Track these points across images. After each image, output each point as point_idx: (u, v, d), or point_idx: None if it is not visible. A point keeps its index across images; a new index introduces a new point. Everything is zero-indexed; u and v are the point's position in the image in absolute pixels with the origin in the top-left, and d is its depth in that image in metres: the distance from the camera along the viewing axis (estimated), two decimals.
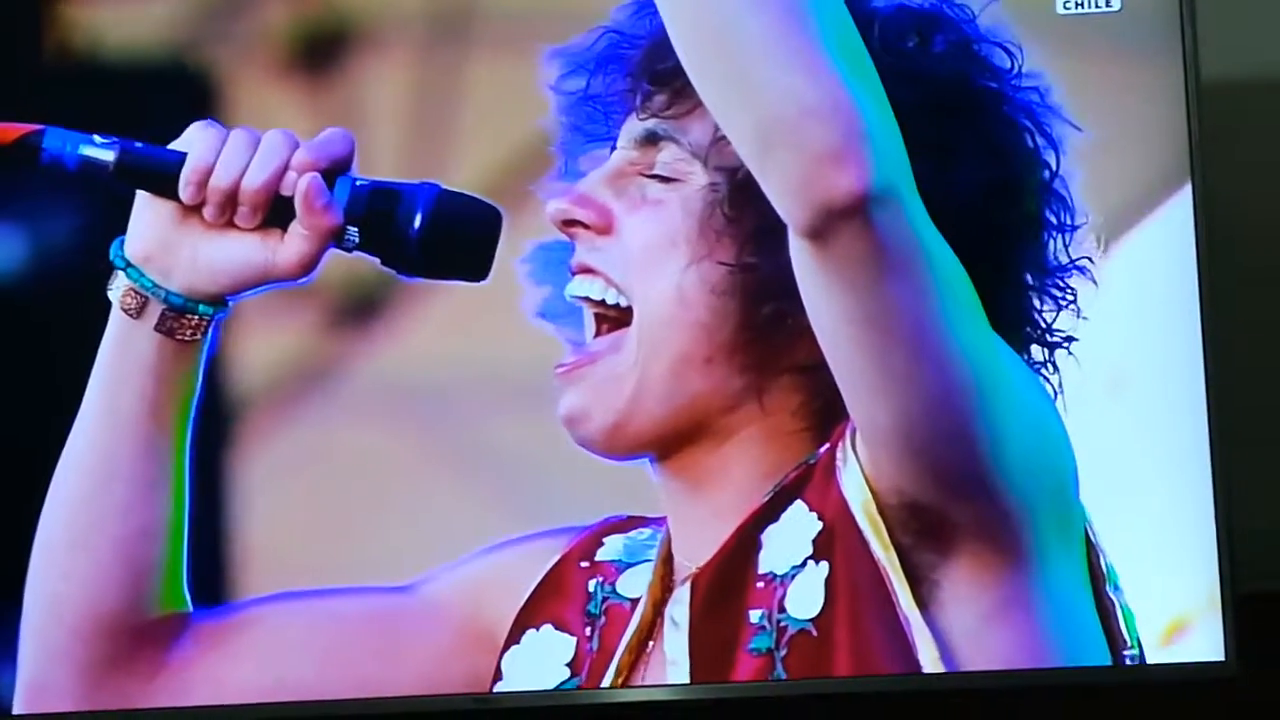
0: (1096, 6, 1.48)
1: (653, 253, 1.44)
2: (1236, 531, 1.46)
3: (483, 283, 1.44)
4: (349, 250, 1.41)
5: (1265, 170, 1.73)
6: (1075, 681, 1.41)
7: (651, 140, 1.46)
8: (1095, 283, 1.43)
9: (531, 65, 1.53)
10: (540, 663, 1.47)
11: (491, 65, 1.61)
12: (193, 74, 1.63)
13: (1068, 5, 1.48)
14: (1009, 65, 1.42)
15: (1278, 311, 1.73)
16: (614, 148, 1.48)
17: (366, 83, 1.61)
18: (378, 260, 1.42)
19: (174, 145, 1.40)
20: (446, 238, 1.42)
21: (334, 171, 1.41)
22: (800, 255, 1.30)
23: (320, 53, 1.62)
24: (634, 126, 1.47)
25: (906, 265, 1.29)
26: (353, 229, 1.41)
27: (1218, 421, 1.46)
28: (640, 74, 1.47)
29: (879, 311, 1.29)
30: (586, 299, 1.46)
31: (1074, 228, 1.43)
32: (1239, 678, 1.44)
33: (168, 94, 1.62)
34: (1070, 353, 1.42)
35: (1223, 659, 1.45)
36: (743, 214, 1.41)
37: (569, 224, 1.46)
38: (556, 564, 1.48)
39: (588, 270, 1.47)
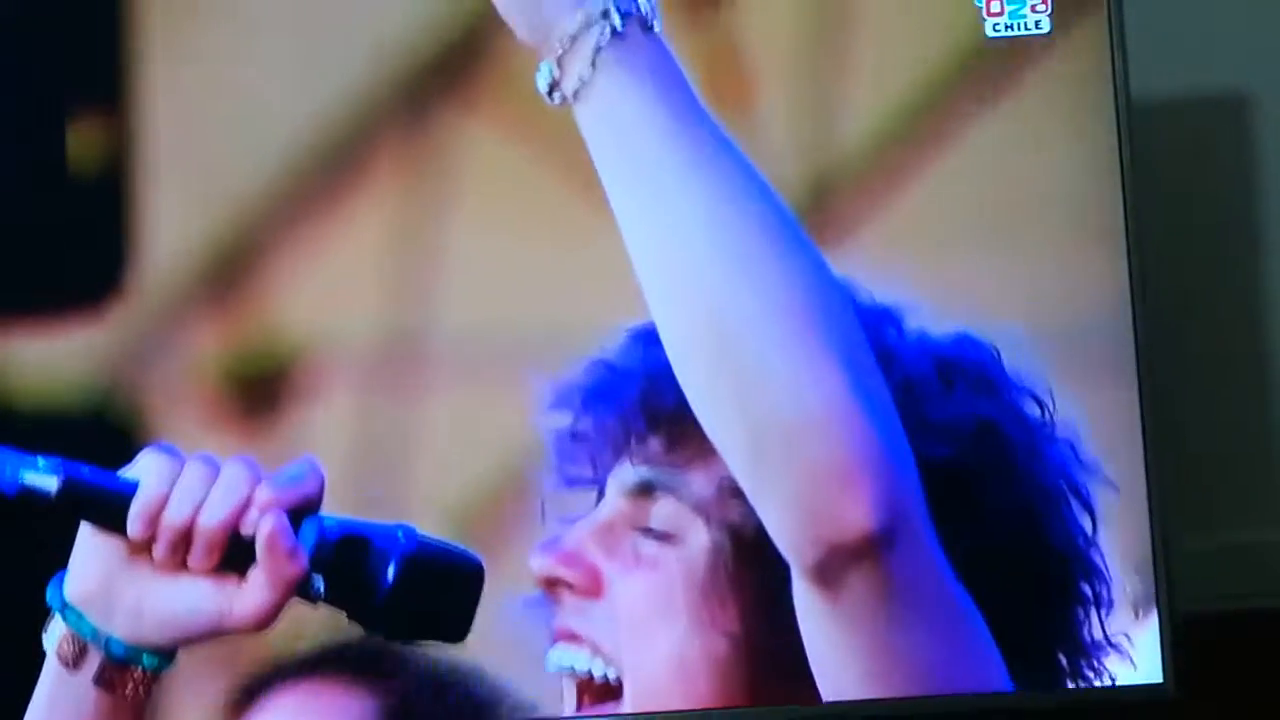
0: (1025, 29, 1.48)
1: (647, 621, 1.35)
2: (1174, 552, 1.45)
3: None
4: (314, 602, 1.26)
5: (1191, 190, 1.73)
6: (1006, 706, 1.41)
7: (646, 491, 1.37)
8: (1133, 663, 1.39)
9: (511, 396, 1.48)
10: None
11: (463, 395, 1.54)
12: (118, 413, 1.54)
13: (997, 28, 1.48)
14: (1039, 414, 1.37)
15: (1211, 334, 1.73)
16: (602, 494, 1.39)
17: (314, 418, 1.54)
18: (344, 614, 1.27)
19: (126, 472, 1.27)
20: (420, 596, 1.27)
21: (301, 511, 1.26)
22: (803, 596, 1.20)
23: (263, 383, 1.55)
24: (626, 474, 1.38)
25: (923, 610, 1.20)
26: (319, 578, 1.26)
27: (1153, 441, 1.46)
28: (634, 413, 1.39)
29: (887, 663, 1.22)
30: (570, 671, 1.37)
31: (1110, 602, 1.36)
32: (1177, 702, 1.44)
33: (91, 435, 1.54)
34: None
35: (1161, 681, 1.44)
36: (751, 577, 1.32)
37: (552, 583, 1.36)
38: None
39: (571, 637, 1.37)
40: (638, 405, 1.38)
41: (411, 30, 1.57)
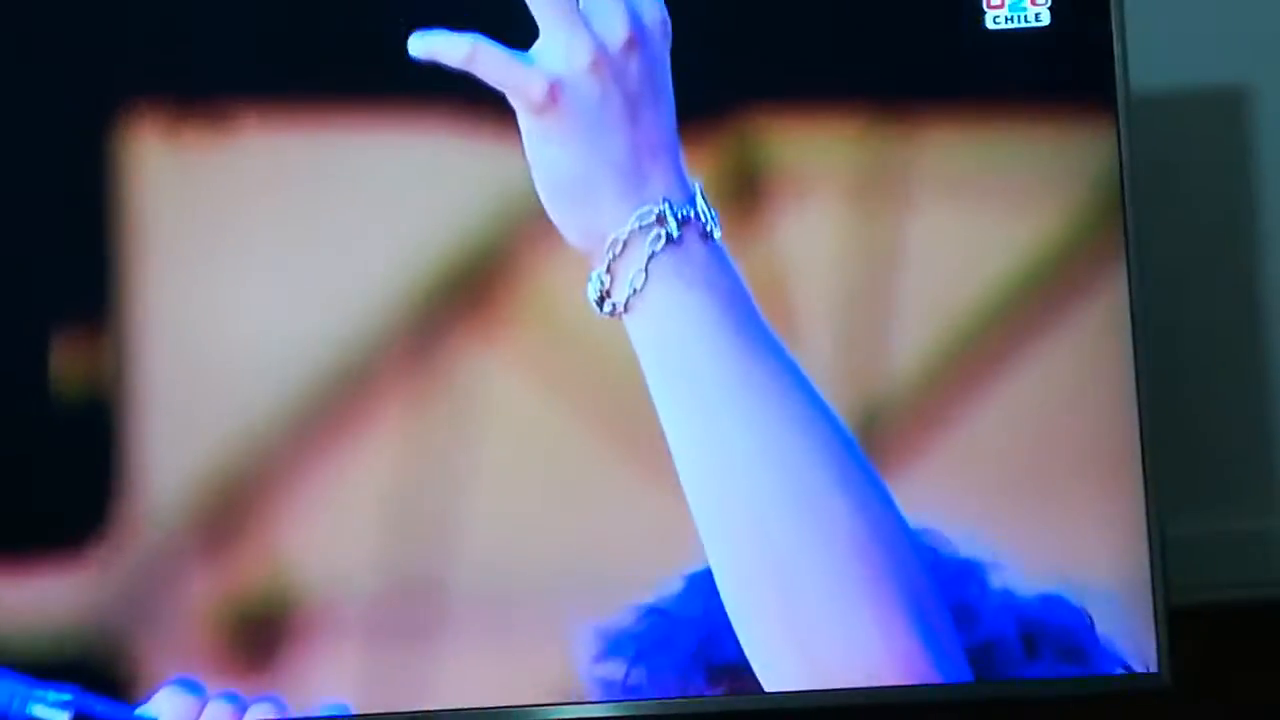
0: (1025, 21, 1.48)
1: None
2: (1170, 543, 1.46)
3: None
4: None
5: (1194, 179, 1.73)
6: (1002, 696, 1.41)
7: None
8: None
9: (551, 644, 1.43)
10: None
11: (492, 643, 1.45)
12: (105, 662, 1.46)
13: (997, 20, 1.48)
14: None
15: (1208, 323, 1.73)
16: None
17: (321, 667, 1.46)
18: None
19: (145, 709, 1.28)
20: None
21: None
22: None
23: (264, 630, 1.46)
24: None
25: None
26: None
27: (1149, 432, 1.46)
28: (693, 666, 1.36)
29: None
30: None
31: None
32: (1173, 692, 1.44)
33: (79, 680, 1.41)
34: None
35: (1156, 671, 1.44)
36: None
37: None
38: None
39: None
40: (697, 657, 1.35)
41: (426, 249, 1.49)
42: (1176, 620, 1.44)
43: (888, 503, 1.24)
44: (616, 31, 1.29)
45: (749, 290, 1.29)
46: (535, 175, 1.30)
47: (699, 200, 1.29)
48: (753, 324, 1.27)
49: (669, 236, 1.26)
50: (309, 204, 1.49)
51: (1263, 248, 1.73)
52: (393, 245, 1.49)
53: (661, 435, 1.28)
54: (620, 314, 1.27)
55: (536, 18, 1.30)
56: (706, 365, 1.25)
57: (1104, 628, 1.40)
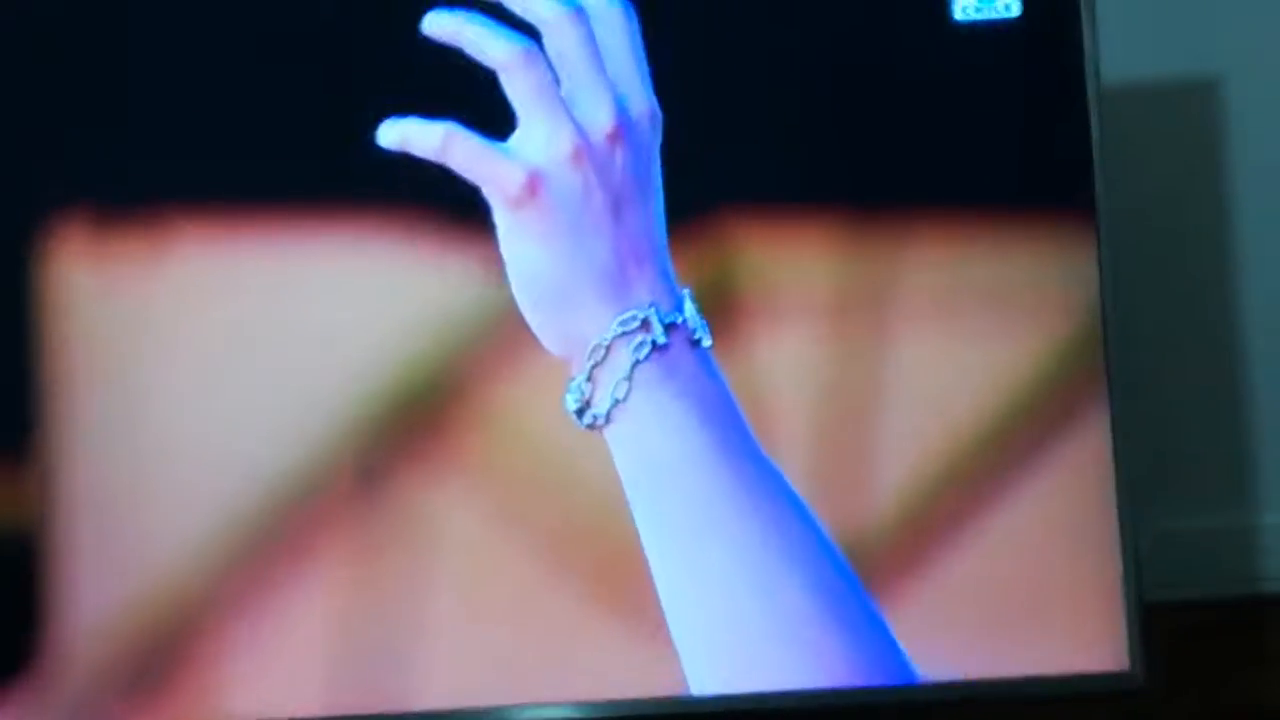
0: (995, 13, 1.47)
1: None
2: (1142, 539, 1.45)
3: None
4: None
5: (1164, 175, 1.73)
6: (973, 694, 1.41)
7: None
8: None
9: None
10: None
11: None
12: None
13: (965, 11, 1.47)
14: None
15: (1180, 320, 1.73)
16: None
17: None
18: None
19: None
20: None
21: None
22: None
23: None
24: None
25: None
26: None
27: (1120, 428, 1.45)
28: None
29: None
30: None
31: None
32: (1145, 689, 1.43)
33: None
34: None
35: (1128, 669, 1.44)
36: None
37: None
38: None
39: None
40: None
41: (375, 367, 1.42)
42: (1149, 617, 1.44)
43: (881, 632, 1.22)
44: (600, 121, 1.24)
45: (738, 404, 1.23)
46: (511, 274, 1.25)
47: (688, 306, 1.24)
48: (743, 440, 1.21)
49: (655, 344, 1.21)
50: (249, 320, 1.42)
51: (1235, 242, 1.73)
52: (339, 364, 1.43)
53: (637, 563, 1.22)
54: (601, 426, 1.22)
55: (514, 104, 1.25)
56: (693, 483, 1.19)
57: None
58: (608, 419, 1.21)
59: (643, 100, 1.26)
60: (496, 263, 1.26)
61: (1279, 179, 1.73)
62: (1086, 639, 1.43)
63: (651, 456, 1.20)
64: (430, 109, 1.28)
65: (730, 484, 1.20)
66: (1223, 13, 1.73)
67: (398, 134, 1.26)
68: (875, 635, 1.23)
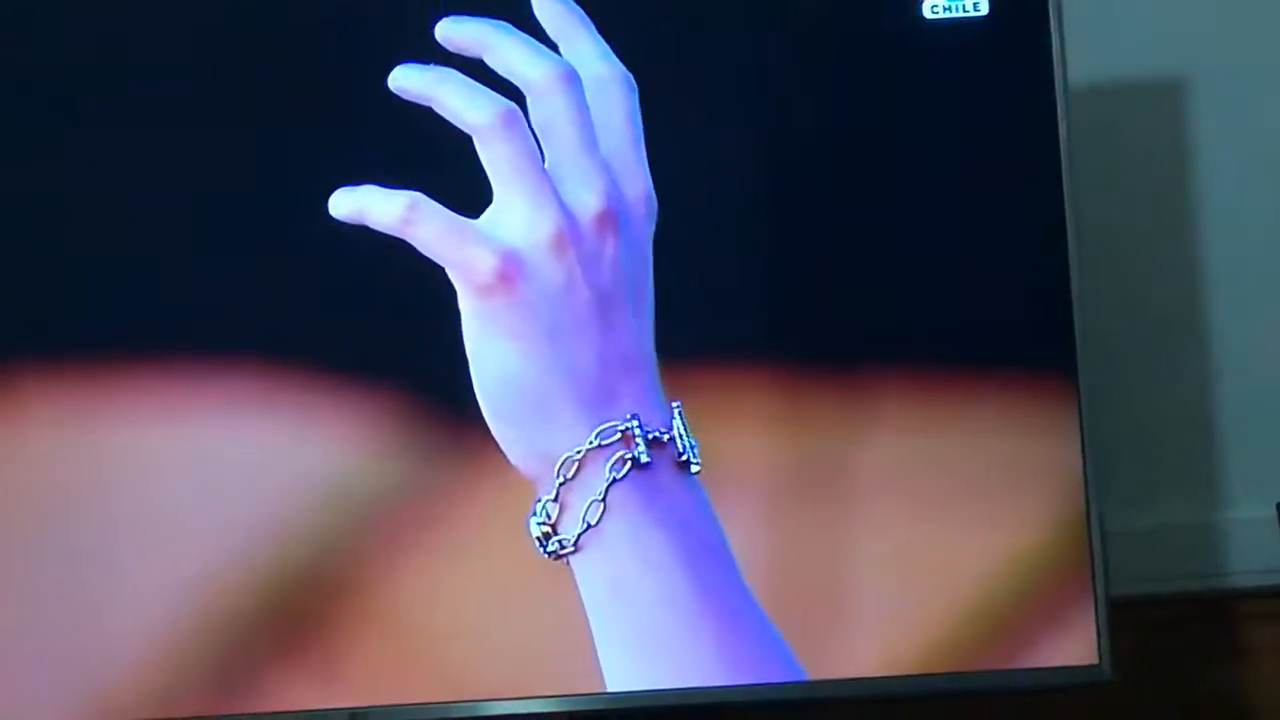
0: (963, 11, 1.48)
1: None
2: (1110, 535, 1.45)
3: None
4: None
5: (1136, 173, 1.73)
6: (940, 689, 1.41)
7: None
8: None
9: None
10: None
11: None
12: None
13: (935, 10, 1.47)
14: None
15: (1147, 316, 1.74)
16: None
17: None
18: None
19: None
20: None
21: None
22: None
23: None
24: None
25: None
26: None
27: (1089, 424, 1.45)
28: None
29: None
30: None
31: None
32: (1113, 683, 1.44)
33: None
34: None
35: (1096, 663, 1.44)
36: None
37: None
38: None
39: None
40: None
41: (245, 558, 1.28)
42: (1117, 611, 1.44)
43: None
44: (589, 203, 1.07)
45: (727, 540, 1.07)
46: (475, 373, 1.07)
47: (677, 422, 1.07)
48: (731, 584, 1.06)
49: (635, 461, 1.04)
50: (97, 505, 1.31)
51: (1202, 240, 1.74)
52: (203, 553, 1.30)
53: None
54: (568, 555, 1.05)
55: (491, 176, 1.09)
56: (671, 629, 1.03)
57: None
58: (576, 546, 1.04)
59: (639, 182, 1.10)
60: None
61: (1245, 178, 1.73)
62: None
63: (624, 593, 1.03)
64: (390, 178, 1.12)
65: (715, 635, 1.05)
66: (1189, 13, 1.73)
67: (353, 204, 1.09)
68: None
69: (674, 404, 1.09)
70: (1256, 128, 1.73)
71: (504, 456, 1.08)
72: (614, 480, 1.03)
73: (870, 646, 1.38)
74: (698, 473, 1.08)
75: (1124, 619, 1.46)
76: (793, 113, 1.45)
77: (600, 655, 1.05)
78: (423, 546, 1.29)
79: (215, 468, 1.31)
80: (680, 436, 1.06)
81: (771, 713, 1.40)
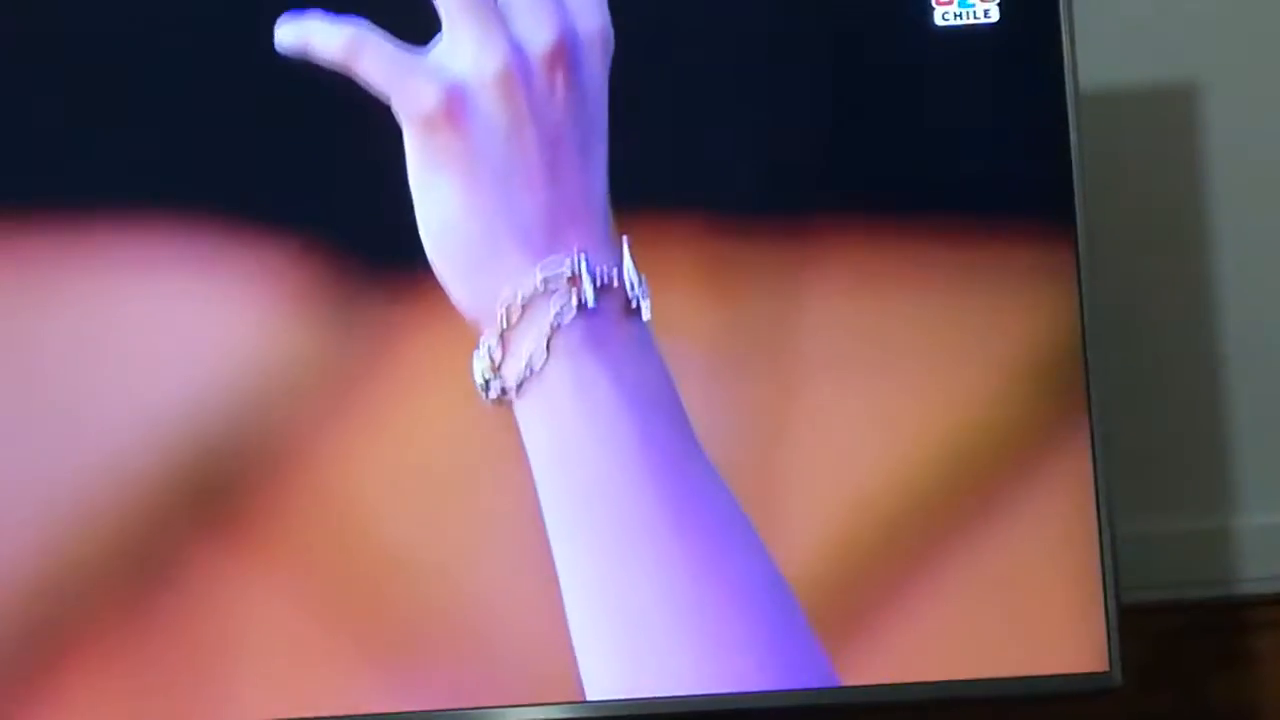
0: (975, 18, 1.47)
1: None
2: (1120, 539, 1.45)
3: None
4: None
5: (1145, 179, 1.73)
6: (949, 695, 1.41)
7: None
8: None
9: None
10: None
11: None
12: None
13: (945, 17, 1.47)
14: None
15: (1158, 322, 1.73)
16: None
17: None
18: None
19: None
20: None
21: None
22: None
23: None
24: None
25: None
26: None
27: (1100, 429, 1.45)
28: None
29: None
30: None
31: None
32: (1122, 690, 1.44)
33: None
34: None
35: (1106, 669, 1.44)
36: None
37: None
38: None
39: None
40: None
41: (158, 430, 1.22)
42: (1126, 618, 1.44)
43: (807, 646, 1.09)
44: (541, 38, 1.03)
45: (679, 393, 1.03)
46: (419, 212, 1.05)
47: (627, 263, 1.04)
48: (679, 435, 1.01)
49: (582, 304, 1.00)
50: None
51: (1213, 246, 1.74)
52: (120, 416, 1.24)
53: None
54: (510, 399, 1.01)
55: (440, 9, 1.06)
56: (614, 482, 0.98)
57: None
58: (518, 392, 1.00)
59: (594, 17, 1.06)
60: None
61: (1257, 184, 1.73)
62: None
63: (568, 442, 0.99)
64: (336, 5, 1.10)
65: (659, 488, 1.00)
66: (1200, 19, 1.73)
67: (297, 34, 1.05)
68: (800, 650, 1.09)
69: (624, 240, 1.06)
70: (1268, 133, 1.73)
71: (447, 301, 1.05)
72: (559, 325, 1.00)
73: (822, 500, 1.32)
74: (647, 321, 1.04)
75: (1134, 625, 1.46)
76: (798, 113, 1.43)
77: (544, 508, 1.01)
78: (358, 404, 1.24)
79: (129, 332, 1.25)
80: (629, 281, 1.02)
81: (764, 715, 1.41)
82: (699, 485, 1.02)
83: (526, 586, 1.11)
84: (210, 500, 1.23)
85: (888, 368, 1.30)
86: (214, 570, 1.24)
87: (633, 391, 0.99)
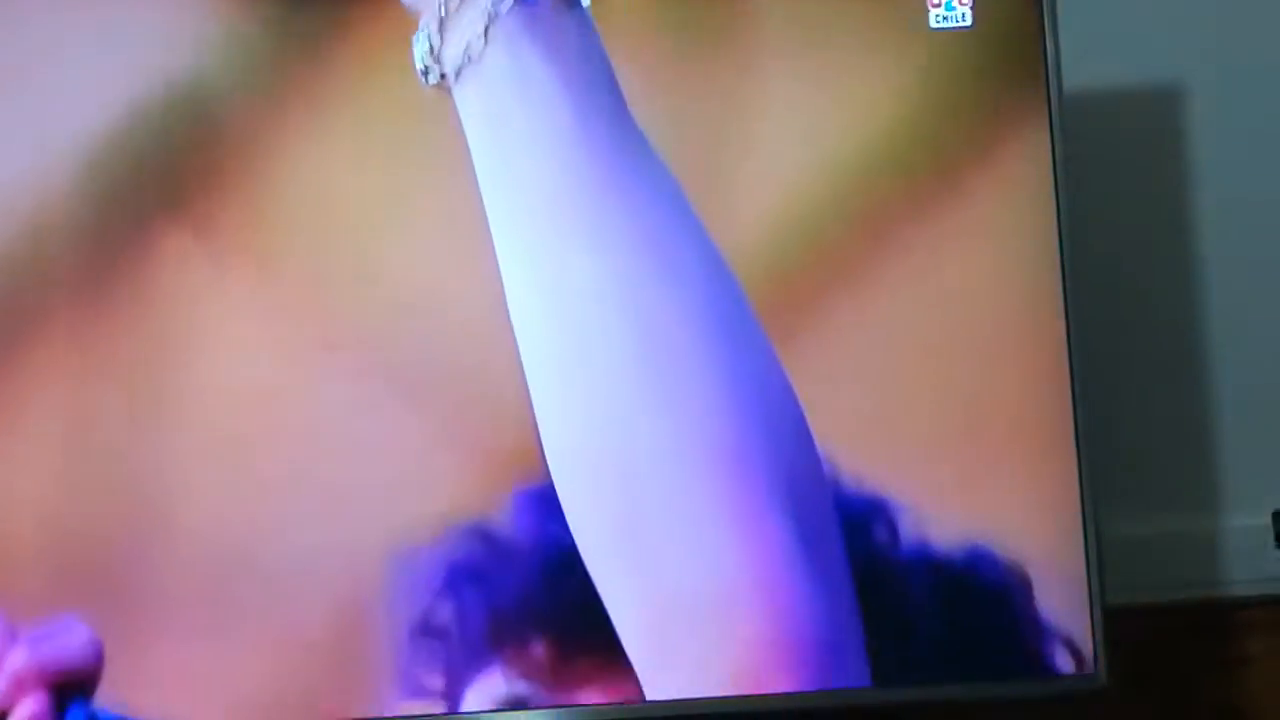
0: (956, 22, 1.47)
1: None
2: (1106, 543, 1.45)
3: None
4: None
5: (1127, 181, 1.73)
6: (938, 698, 1.41)
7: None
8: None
9: (333, 572, 1.13)
10: None
11: (257, 574, 1.15)
12: None
13: (939, 20, 1.47)
14: (1072, 666, 1.18)
15: (1144, 323, 1.73)
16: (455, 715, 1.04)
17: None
18: None
19: None
20: None
21: (66, 688, 0.98)
22: None
23: None
24: (494, 687, 1.04)
25: None
26: None
27: (1085, 431, 1.45)
28: (513, 608, 1.03)
29: None
30: None
31: None
32: (1109, 692, 1.44)
33: None
34: None
35: (1093, 671, 1.44)
36: None
37: None
38: None
39: None
40: (519, 594, 1.04)
41: (108, 108, 1.21)
42: (1113, 620, 1.44)
43: (770, 369, 1.00)
44: None
45: (618, 80, 0.99)
46: None
47: None
48: (620, 123, 0.98)
49: None
50: None
51: (1198, 247, 1.74)
52: (70, 101, 1.22)
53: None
54: (448, 84, 0.98)
55: None
56: (554, 166, 0.95)
57: (1044, 598, 1.32)
58: (456, 78, 0.97)
59: None
60: None
61: (1241, 185, 1.73)
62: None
63: (504, 128, 0.96)
64: None
65: (600, 172, 0.96)
66: (1185, 21, 1.73)
67: None
68: (761, 372, 1.00)
69: None
70: (1253, 135, 1.73)
71: None
72: (497, 14, 0.96)
73: (766, 185, 1.26)
74: (587, 6, 1.01)
75: (1120, 628, 1.46)
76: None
77: (484, 195, 0.99)
78: (303, 91, 1.22)
79: (85, 21, 1.24)
80: None
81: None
82: (637, 167, 0.99)
83: (468, 271, 1.08)
84: (159, 185, 1.22)
85: (834, 60, 1.27)
86: (175, 258, 1.22)
87: (571, 78, 0.96)
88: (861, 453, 1.23)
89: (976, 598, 1.22)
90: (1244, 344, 1.73)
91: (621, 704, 1.34)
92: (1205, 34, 1.73)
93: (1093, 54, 1.66)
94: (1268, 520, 1.54)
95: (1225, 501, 1.72)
